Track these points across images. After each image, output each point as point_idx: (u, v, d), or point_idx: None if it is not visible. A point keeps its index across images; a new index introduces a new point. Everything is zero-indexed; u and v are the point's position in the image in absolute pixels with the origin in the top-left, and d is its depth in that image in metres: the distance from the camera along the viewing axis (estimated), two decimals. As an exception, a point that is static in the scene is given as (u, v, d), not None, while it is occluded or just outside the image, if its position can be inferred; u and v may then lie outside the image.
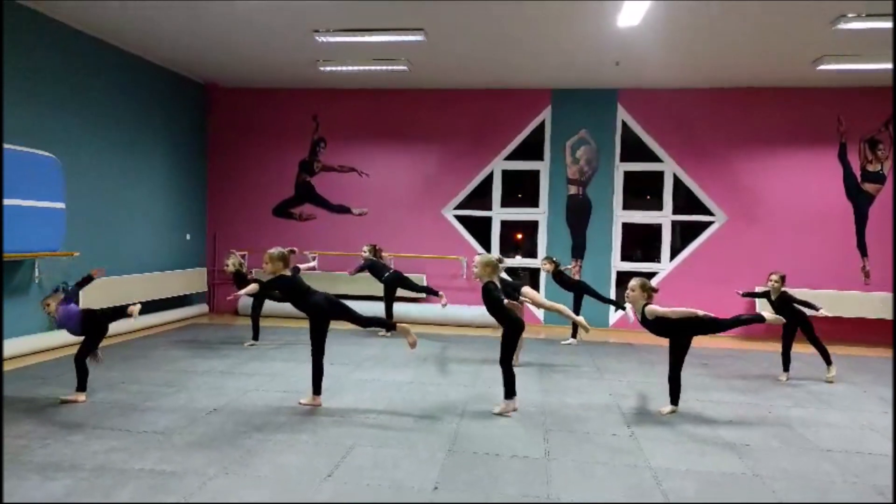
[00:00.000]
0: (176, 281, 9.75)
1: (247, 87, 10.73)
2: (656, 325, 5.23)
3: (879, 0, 6.20)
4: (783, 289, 6.76)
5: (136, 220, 9.08)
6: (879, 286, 9.52)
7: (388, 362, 7.11)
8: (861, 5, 6.37)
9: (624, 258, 10.17)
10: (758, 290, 7.08)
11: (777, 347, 6.99)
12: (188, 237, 10.42)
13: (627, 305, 5.60)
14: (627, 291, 5.39)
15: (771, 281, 6.77)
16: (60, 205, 7.18)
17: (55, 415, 4.83)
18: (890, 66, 8.14)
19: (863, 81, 9.15)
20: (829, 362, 6.76)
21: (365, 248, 9.01)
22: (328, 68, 9.08)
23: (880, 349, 8.89)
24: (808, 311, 6.65)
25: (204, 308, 10.57)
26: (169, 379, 6.03)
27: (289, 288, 5.30)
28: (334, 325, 5.42)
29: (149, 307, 8.95)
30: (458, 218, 10.51)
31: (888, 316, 9.32)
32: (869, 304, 9.42)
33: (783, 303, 6.68)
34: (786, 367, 6.83)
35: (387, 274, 8.87)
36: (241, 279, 7.85)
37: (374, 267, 8.89)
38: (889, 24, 6.66)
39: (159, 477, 3.75)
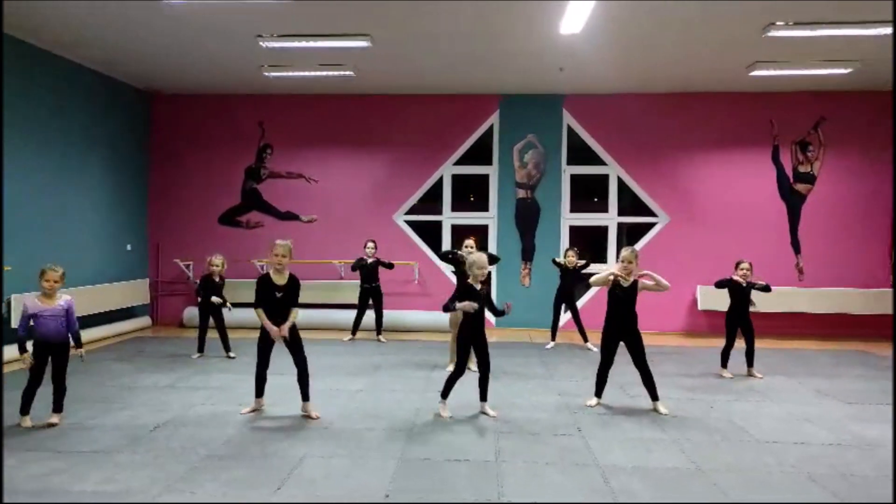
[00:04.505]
0: (117, 293, 9.43)
1: (190, 94, 10.47)
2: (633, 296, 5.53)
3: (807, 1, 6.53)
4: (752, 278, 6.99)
5: (73, 232, 8.73)
6: (812, 282, 9.98)
7: (340, 371, 7.05)
8: (789, 14, 6.67)
9: (572, 260, 10.35)
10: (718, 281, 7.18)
11: (717, 344, 7.21)
12: (129, 248, 10.09)
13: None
14: (623, 263, 5.60)
15: (742, 269, 6.97)
16: (-10, 217, 6.87)
17: (-13, 438, 4.61)
18: (816, 70, 8.56)
19: (793, 86, 9.59)
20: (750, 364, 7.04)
21: (370, 245, 8.99)
22: (273, 74, 8.95)
23: (813, 342, 9.33)
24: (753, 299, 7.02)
25: (147, 321, 10.23)
26: (111, 395, 5.83)
27: (297, 287, 5.21)
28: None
29: (89, 321, 8.64)
30: (410, 223, 10.51)
31: (821, 310, 9.80)
32: (803, 299, 9.88)
33: (747, 293, 6.93)
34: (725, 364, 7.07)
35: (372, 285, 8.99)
36: (208, 287, 7.58)
37: (369, 270, 8.96)
38: (813, 32, 7.01)
39: (102, 498, 3.62)
